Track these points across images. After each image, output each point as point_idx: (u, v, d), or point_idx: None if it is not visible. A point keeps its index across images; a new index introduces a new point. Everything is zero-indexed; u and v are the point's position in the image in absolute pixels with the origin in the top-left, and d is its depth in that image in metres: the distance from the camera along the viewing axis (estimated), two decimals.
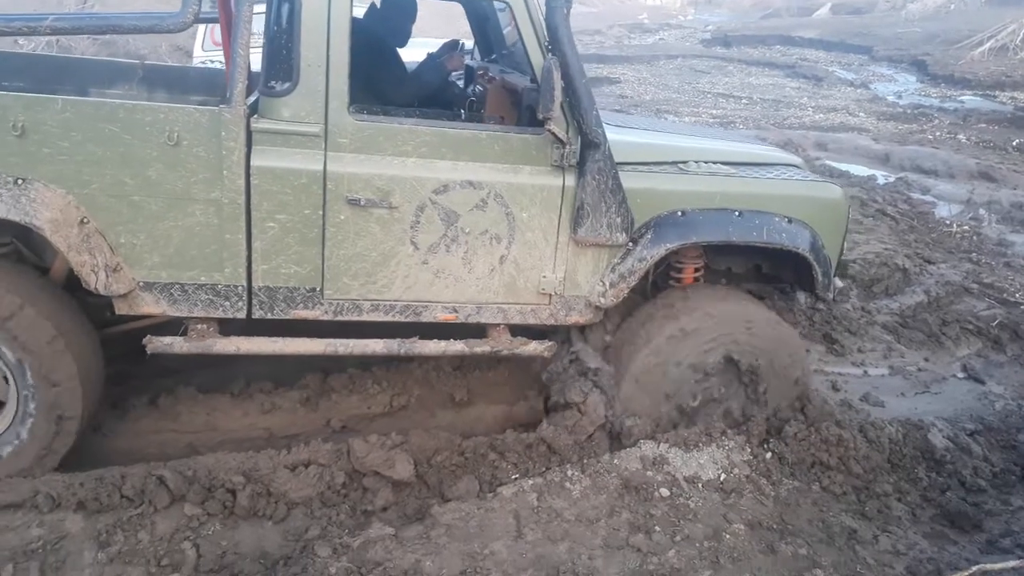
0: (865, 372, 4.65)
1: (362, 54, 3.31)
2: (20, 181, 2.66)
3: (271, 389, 3.56)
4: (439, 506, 2.83)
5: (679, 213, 3.23)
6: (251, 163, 2.80)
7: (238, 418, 3.43)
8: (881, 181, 9.51)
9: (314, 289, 3.00)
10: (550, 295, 3.22)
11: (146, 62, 4.14)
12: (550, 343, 3.36)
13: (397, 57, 3.91)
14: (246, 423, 3.42)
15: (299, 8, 2.78)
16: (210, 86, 3.78)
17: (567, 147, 3.00)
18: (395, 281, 3.05)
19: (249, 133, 2.79)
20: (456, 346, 3.23)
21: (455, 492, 2.95)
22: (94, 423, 3.28)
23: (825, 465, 3.26)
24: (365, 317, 3.10)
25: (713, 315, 3.32)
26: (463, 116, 3.70)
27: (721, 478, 3.05)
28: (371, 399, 3.62)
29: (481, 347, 3.26)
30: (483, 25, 4.20)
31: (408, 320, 3.14)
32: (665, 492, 2.94)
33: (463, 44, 4.22)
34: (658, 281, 3.61)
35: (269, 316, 3.01)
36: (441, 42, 4.27)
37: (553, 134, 2.95)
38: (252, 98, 2.90)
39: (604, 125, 2.99)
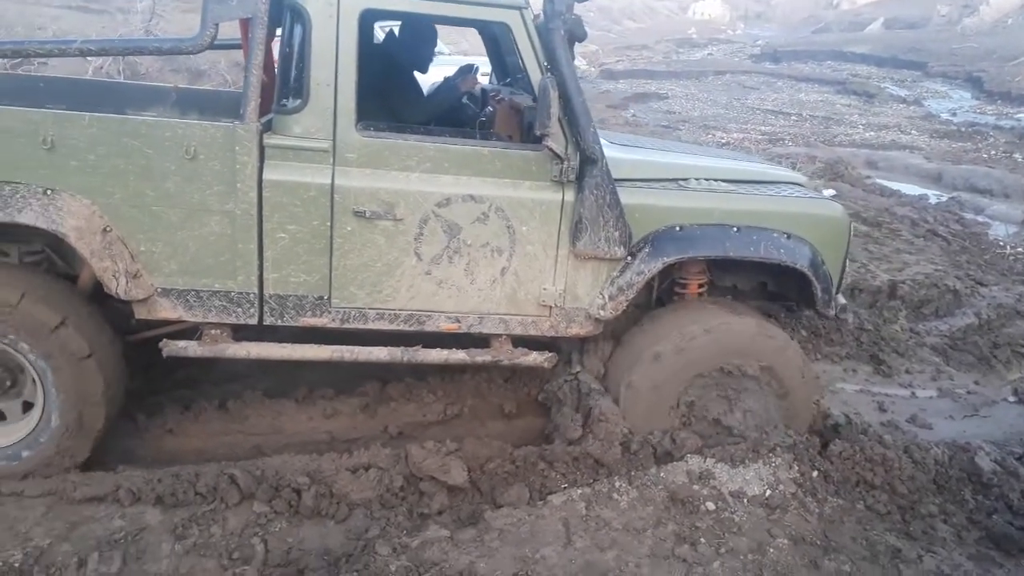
0: (913, 394, 4.65)
1: (379, 76, 3.51)
2: (49, 192, 2.85)
3: (332, 395, 3.74)
4: (492, 511, 2.95)
5: (677, 228, 3.32)
6: (263, 176, 2.97)
7: (302, 422, 3.61)
8: (933, 200, 9.43)
9: (322, 297, 3.14)
10: (550, 307, 3.32)
11: (179, 86, 4.38)
12: (550, 354, 3.46)
13: (412, 79, 4.10)
14: (309, 427, 3.61)
15: (310, 31, 2.96)
16: (239, 108, 4.00)
17: (565, 163, 3.12)
18: (399, 291, 3.18)
19: (262, 148, 2.96)
20: (458, 355, 3.34)
21: (506, 498, 3.06)
22: (167, 426, 3.50)
23: (870, 484, 3.30)
24: (371, 325, 3.23)
25: (704, 327, 3.38)
26: (476, 135, 3.86)
27: (766, 494, 3.12)
28: (426, 407, 3.78)
29: (483, 357, 3.37)
30: (498, 50, 4.35)
31: (412, 329, 3.26)
32: (711, 506, 3.02)
33: (477, 67, 4.39)
34: (662, 298, 3.70)
35: (279, 323, 3.17)
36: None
37: (551, 150, 3.06)
38: (267, 117, 3.07)
39: (610, 144, 3.08)
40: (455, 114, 4.16)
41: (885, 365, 4.91)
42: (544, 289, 3.28)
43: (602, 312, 3.32)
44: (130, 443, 3.43)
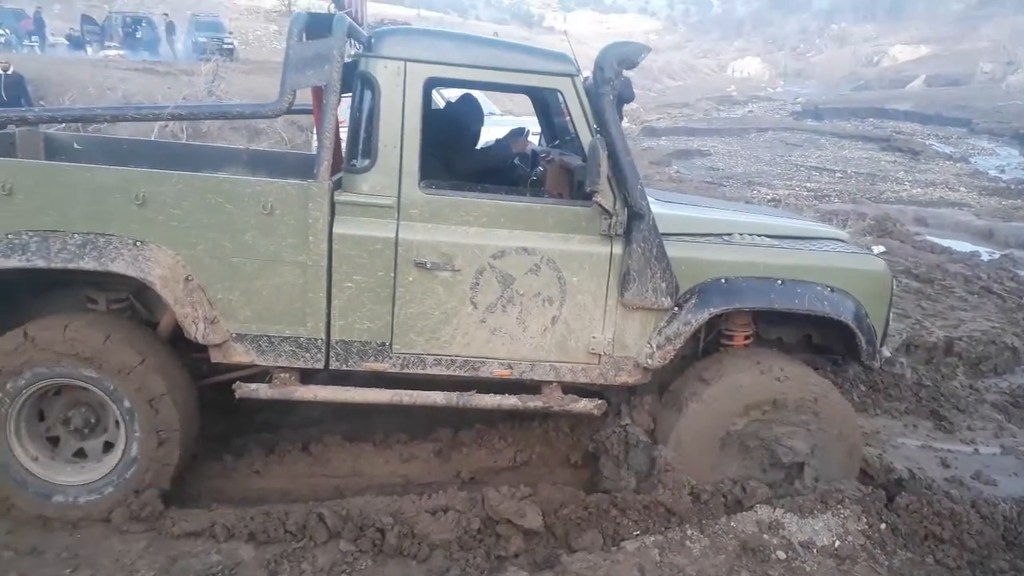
0: (976, 450, 4.65)
1: (438, 135, 3.74)
2: (138, 243, 3.08)
3: (407, 440, 3.90)
4: (567, 555, 3.05)
5: (723, 280, 3.44)
6: (333, 230, 3.17)
7: (380, 465, 3.77)
8: (985, 257, 9.39)
9: (384, 344, 3.31)
10: (600, 355, 3.43)
11: (250, 148, 4.67)
12: (600, 401, 3.54)
13: (468, 137, 4.38)
14: (387, 470, 3.76)
15: (379, 98, 3.20)
16: (304, 168, 4.24)
17: (614, 218, 3.26)
18: (456, 338, 3.33)
19: (333, 204, 3.17)
20: (510, 401, 3.46)
21: (580, 543, 3.16)
22: (254, 467, 3.68)
23: (938, 538, 3.32)
24: (428, 371, 3.37)
25: (748, 374, 3.47)
26: (528, 193, 4.05)
27: (835, 545, 3.17)
28: (497, 454, 3.91)
29: (534, 403, 3.48)
30: (547, 114, 4.57)
31: (467, 375, 3.39)
32: (781, 555, 3.08)
33: (528, 130, 4.63)
34: (709, 349, 3.79)
35: (343, 367, 3.32)
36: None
37: (600, 206, 3.22)
38: (336, 176, 3.29)
39: (658, 200, 3.20)
40: (508, 174, 4.38)
41: (946, 421, 4.91)
42: (593, 338, 3.41)
43: (650, 361, 3.43)
44: (220, 483, 3.61)
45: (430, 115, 4.09)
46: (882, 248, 9.13)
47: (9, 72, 12.78)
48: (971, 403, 5.18)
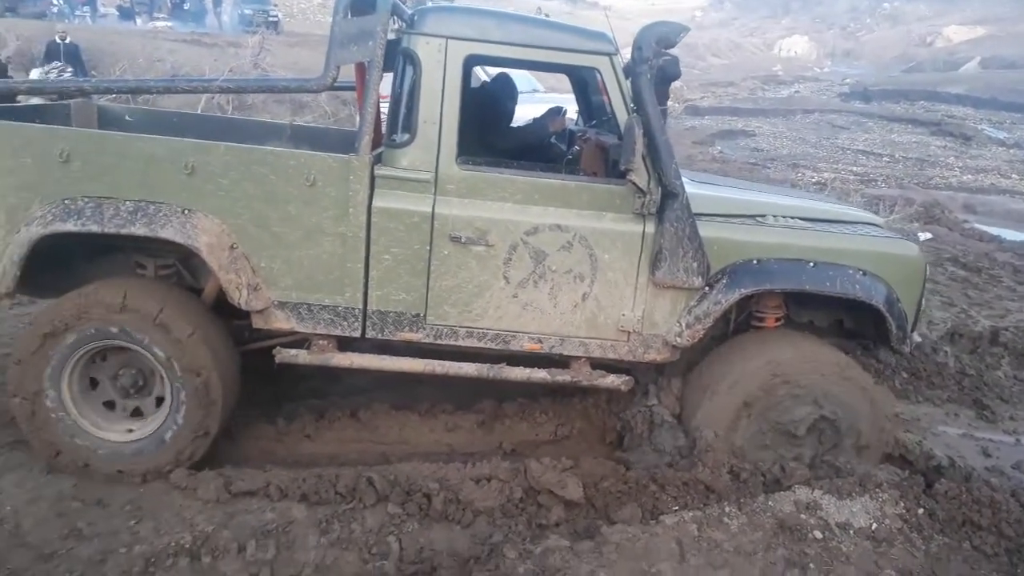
0: (1018, 440, 4.62)
1: (478, 112, 3.81)
2: (186, 211, 3.19)
3: (452, 411, 4.01)
4: (607, 527, 3.13)
5: (754, 261, 3.46)
6: (372, 203, 3.25)
7: (425, 433, 3.90)
8: None
9: (418, 315, 3.39)
10: (629, 332, 3.48)
11: (294, 122, 4.79)
12: (627, 377, 3.60)
13: (505, 115, 4.45)
14: (432, 439, 3.88)
15: (420, 74, 3.26)
16: (346, 143, 4.35)
17: (647, 196, 3.30)
18: (488, 311, 3.41)
19: (372, 178, 3.25)
20: (539, 374, 3.54)
21: (620, 516, 3.24)
22: (305, 431, 3.83)
23: (976, 525, 3.34)
24: (460, 343, 3.45)
25: (774, 357, 3.50)
26: (563, 171, 4.05)
27: (872, 527, 3.21)
28: (539, 427, 4.01)
29: (562, 377, 3.55)
30: (585, 93, 4.60)
31: (498, 348, 3.47)
32: (818, 535, 3.13)
33: (565, 110, 4.65)
34: (739, 331, 3.81)
35: (379, 337, 3.42)
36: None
37: (634, 184, 3.26)
38: (377, 150, 3.37)
39: (692, 181, 3.22)
40: (544, 152, 4.44)
41: (988, 410, 4.89)
42: (623, 315, 3.45)
43: (679, 339, 3.46)
44: (272, 446, 3.77)
45: (469, 92, 4.17)
46: (928, 235, 9.00)
47: (67, 41, 13.12)
48: (1015, 393, 5.14)
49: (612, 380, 3.57)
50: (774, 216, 3.64)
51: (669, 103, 14.38)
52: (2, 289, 3.18)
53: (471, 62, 3.33)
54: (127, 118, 4.36)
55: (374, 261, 3.31)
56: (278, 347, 3.47)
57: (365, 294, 3.35)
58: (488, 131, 4.15)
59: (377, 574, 2.91)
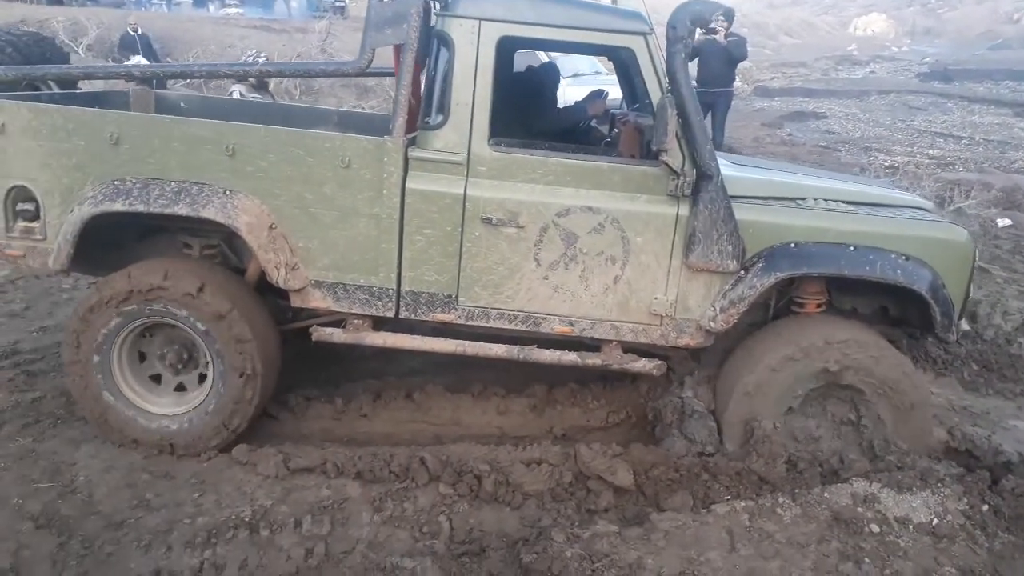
0: None
1: (522, 95, 3.83)
2: (228, 192, 3.28)
3: (504, 394, 4.05)
4: (656, 513, 3.13)
5: (792, 244, 3.36)
6: (406, 185, 3.28)
7: (477, 416, 3.94)
8: None
9: (451, 296, 3.41)
10: (661, 316, 3.43)
11: (341, 109, 4.86)
12: (659, 362, 3.55)
13: (549, 98, 4.43)
14: (484, 421, 3.93)
15: (453, 56, 3.26)
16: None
17: (681, 178, 3.24)
18: (519, 293, 3.40)
19: (406, 160, 3.27)
20: (569, 356, 3.51)
21: (670, 504, 3.23)
22: (362, 411, 3.92)
23: None
24: (491, 324, 3.46)
25: (806, 340, 3.41)
26: (598, 152, 3.97)
27: (933, 523, 3.12)
28: (590, 413, 4.01)
29: (593, 360, 3.52)
30: (628, 76, 4.45)
31: (528, 330, 3.46)
32: (875, 528, 3.06)
33: (606, 93, 4.59)
34: (779, 316, 3.72)
35: (412, 317, 3.45)
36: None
37: (668, 165, 3.19)
38: (412, 133, 3.39)
39: (729, 163, 3.13)
40: (584, 136, 4.41)
41: None
42: (656, 299, 3.41)
43: (713, 324, 3.40)
44: (330, 424, 3.87)
45: (511, 76, 4.14)
46: (1008, 221, 8.60)
47: (139, 32, 13.54)
48: None
49: (643, 364, 3.54)
50: (815, 199, 3.54)
51: (737, 83, 14.05)
52: (56, 266, 3.34)
53: (504, 43, 3.32)
54: (182, 105, 4.51)
55: (407, 242, 3.35)
56: (315, 326, 3.56)
57: (399, 275, 3.39)
58: (529, 114, 4.14)
59: (427, 552, 2.96)
